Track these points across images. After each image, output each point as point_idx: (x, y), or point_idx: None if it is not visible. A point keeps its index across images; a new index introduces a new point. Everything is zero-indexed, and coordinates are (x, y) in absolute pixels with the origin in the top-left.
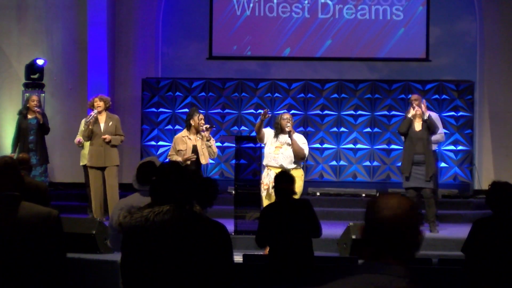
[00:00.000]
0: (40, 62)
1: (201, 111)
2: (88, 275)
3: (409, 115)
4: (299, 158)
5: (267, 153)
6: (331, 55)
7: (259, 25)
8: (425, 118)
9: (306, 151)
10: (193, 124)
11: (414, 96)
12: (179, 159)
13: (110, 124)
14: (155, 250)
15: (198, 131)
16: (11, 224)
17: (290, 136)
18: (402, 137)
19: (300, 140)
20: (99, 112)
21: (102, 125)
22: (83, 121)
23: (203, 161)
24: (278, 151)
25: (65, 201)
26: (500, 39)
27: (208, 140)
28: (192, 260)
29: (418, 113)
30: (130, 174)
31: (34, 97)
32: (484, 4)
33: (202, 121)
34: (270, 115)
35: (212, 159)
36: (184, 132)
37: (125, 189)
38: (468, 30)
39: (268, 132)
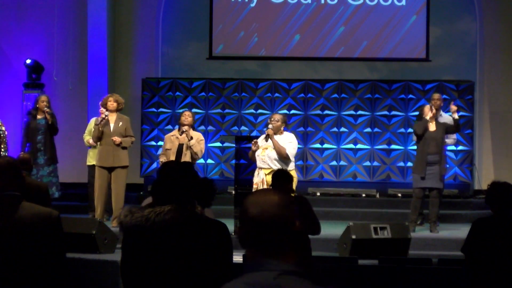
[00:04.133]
0: (28, 61)
1: (201, 111)
2: (88, 275)
3: (428, 117)
4: (282, 158)
5: (256, 156)
6: (331, 55)
7: (266, 13)
8: (456, 117)
9: (289, 149)
10: (179, 123)
11: (437, 95)
12: (164, 159)
13: (120, 124)
14: (156, 250)
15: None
16: (12, 224)
17: (268, 139)
18: (414, 137)
19: (287, 139)
20: (111, 112)
21: (112, 126)
22: (92, 121)
23: (182, 160)
24: (265, 153)
25: (65, 201)
26: (500, 39)
27: (189, 141)
28: (192, 260)
29: (433, 115)
30: (130, 174)
31: (44, 98)
32: (484, 4)
33: (184, 117)
34: (257, 146)
35: (211, 159)
36: (174, 132)
37: (126, 189)
38: (468, 30)
39: (259, 140)
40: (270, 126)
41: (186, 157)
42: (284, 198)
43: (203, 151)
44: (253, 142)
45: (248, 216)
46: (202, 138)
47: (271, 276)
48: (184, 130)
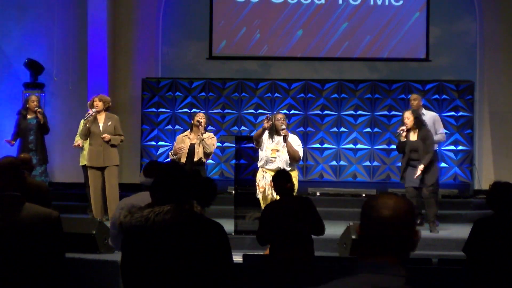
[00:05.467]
0: (26, 61)
1: (201, 111)
2: (88, 275)
3: (402, 139)
4: (294, 161)
5: (263, 156)
6: (331, 55)
7: (266, 13)
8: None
9: (301, 153)
10: (192, 123)
11: (413, 96)
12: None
13: (109, 124)
14: (156, 250)
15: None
16: (12, 224)
17: (285, 141)
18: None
19: (295, 142)
20: (98, 112)
21: (101, 125)
22: (82, 121)
23: (195, 157)
24: (276, 154)
25: (65, 201)
26: (500, 39)
27: (202, 134)
28: (192, 260)
29: (409, 126)
30: (130, 174)
31: (34, 98)
32: (484, 4)
33: (199, 117)
34: (271, 123)
35: (211, 159)
36: (186, 132)
37: (125, 189)
38: (468, 30)
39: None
40: (283, 126)
41: (198, 155)
42: (410, 203)
43: (215, 145)
44: (267, 117)
45: (378, 218)
46: (214, 136)
47: (399, 282)
48: (199, 120)
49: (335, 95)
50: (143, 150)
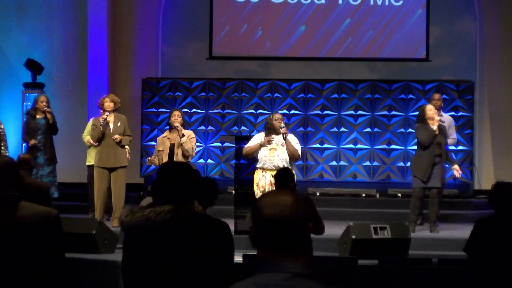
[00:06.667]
0: (26, 61)
1: (201, 111)
2: (88, 275)
3: (434, 127)
4: (294, 159)
5: (261, 156)
6: (331, 55)
7: (266, 13)
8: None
9: (300, 151)
10: (170, 123)
11: (437, 96)
12: (151, 157)
13: (119, 124)
14: (157, 249)
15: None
16: (11, 224)
17: (285, 139)
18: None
19: (293, 140)
20: (109, 112)
21: (111, 126)
22: (91, 121)
23: (175, 159)
24: (274, 153)
25: (65, 201)
26: (500, 39)
27: (180, 138)
28: (193, 259)
29: (437, 118)
30: (130, 174)
31: (43, 98)
32: (484, 4)
33: (174, 118)
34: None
35: (211, 159)
36: (165, 133)
37: (126, 189)
38: (468, 30)
39: (258, 138)
40: (282, 125)
41: (178, 156)
42: (298, 198)
43: (195, 148)
44: (269, 139)
45: (262, 217)
46: (194, 136)
47: (283, 277)
48: (176, 125)
49: (335, 95)
50: (143, 150)
